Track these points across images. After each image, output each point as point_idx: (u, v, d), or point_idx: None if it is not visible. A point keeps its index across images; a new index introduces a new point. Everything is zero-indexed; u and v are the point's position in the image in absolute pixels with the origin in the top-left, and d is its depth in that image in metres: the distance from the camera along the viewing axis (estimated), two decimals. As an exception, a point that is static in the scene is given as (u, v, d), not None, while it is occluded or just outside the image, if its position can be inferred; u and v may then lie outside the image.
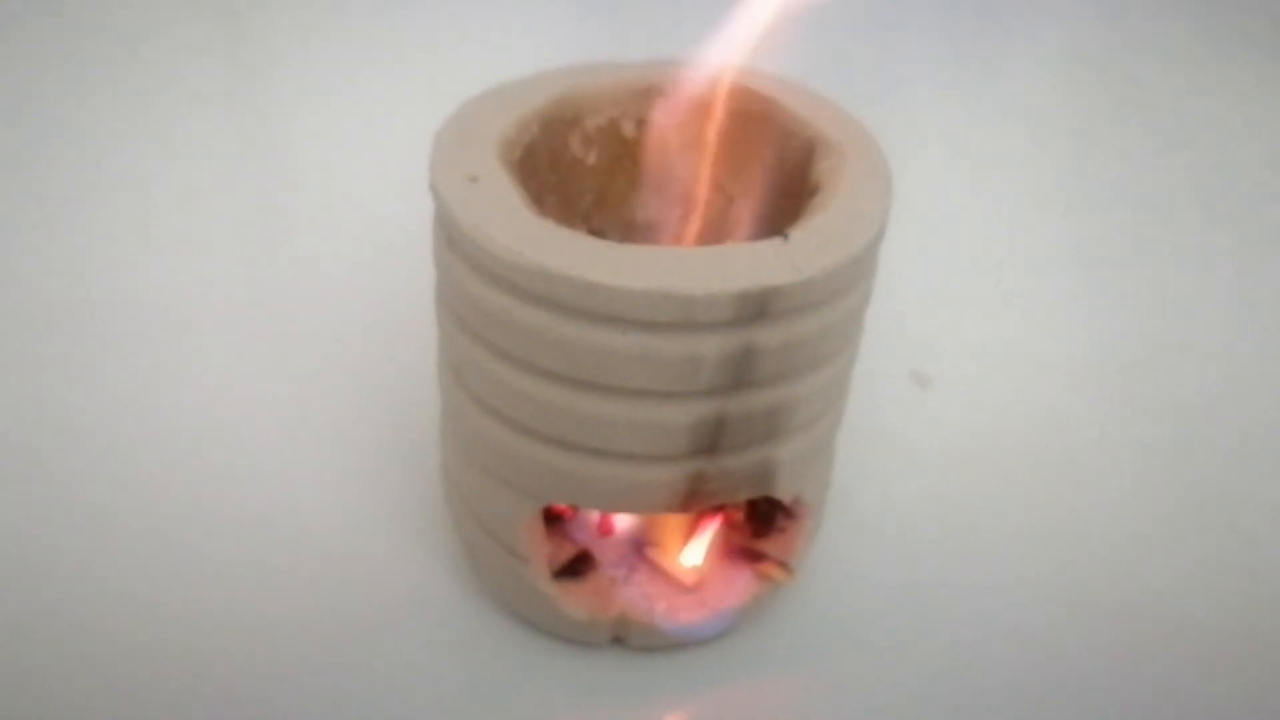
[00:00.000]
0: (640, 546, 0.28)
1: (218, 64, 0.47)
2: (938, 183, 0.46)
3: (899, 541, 0.32)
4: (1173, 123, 0.53)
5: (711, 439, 0.24)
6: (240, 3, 0.48)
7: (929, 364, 0.38)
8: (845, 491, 0.31)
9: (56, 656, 0.27)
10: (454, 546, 0.30)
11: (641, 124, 0.28)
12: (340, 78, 0.47)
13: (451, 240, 0.24)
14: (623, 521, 0.29)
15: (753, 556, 0.28)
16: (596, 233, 0.29)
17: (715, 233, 0.28)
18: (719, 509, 0.28)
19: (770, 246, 0.23)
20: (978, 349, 0.39)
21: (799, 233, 0.23)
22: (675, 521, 0.28)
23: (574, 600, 0.27)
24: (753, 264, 0.22)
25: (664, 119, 0.27)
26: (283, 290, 0.39)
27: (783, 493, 0.26)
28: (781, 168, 0.27)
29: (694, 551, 0.28)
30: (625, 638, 0.28)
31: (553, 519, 0.28)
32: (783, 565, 0.28)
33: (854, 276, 0.24)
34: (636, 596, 0.28)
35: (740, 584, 0.28)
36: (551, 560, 0.27)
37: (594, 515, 0.29)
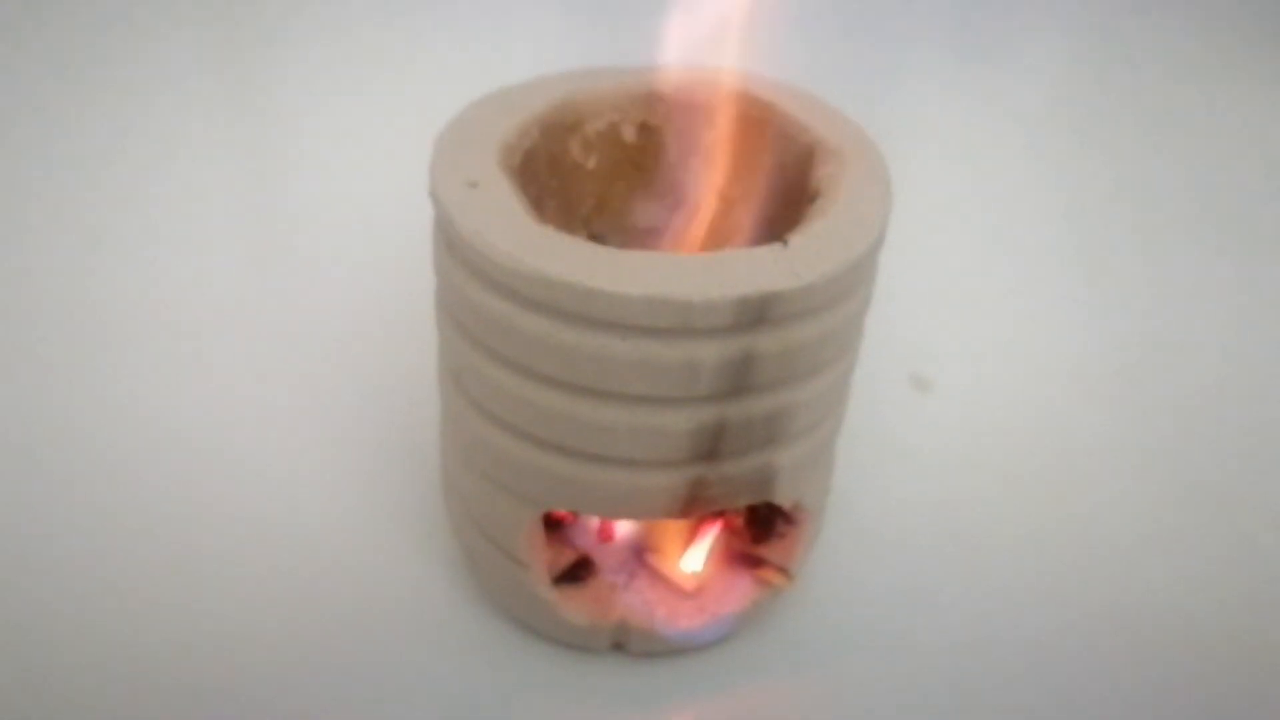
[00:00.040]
0: (640, 552, 0.28)
1: (219, 70, 0.47)
2: (937, 186, 0.46)
3: (899, 546, 0.32)
4: (1172, 126, 0.53)
5: (711, 445, 0.24)
6: (242, 9, 0.48)
7: (929, 368, 0.38)
8: (845, 496, 0.31)
9: (55, 657, 0.27)
10: (454, 552, 0.30)
11: (642, 129, 0.28)
12: (342, 83, 0.48)
13: (451, 246, 0.24)
14: (623, 527, 0.29)
15: (753, 562, 0.28)
16: (596, 237, 0.29)
17: (715, 237, 0.28)
18: (719, 514, 0.28)
19: (770, 252, 0.23)
20: (977, 352, 0.39)
21: (798, 238, 0.23)
22: (675, 527, 0.28)
23: (574, 606, 0.27)
24: (752, 270, 0.22)
25: (664, 124, 0.27)
26: (283, 294, 0.39)
27: (782, 498, 0.26)
28: (781, 173, 0.27)
29: (694, 557, 0.28)
30: (625, 643, 0.28)
31: (553, 525, 0.28)
32: (783, 571, 0.28)
33: (854, 282, 0.24)
34: (637, 602, 0.27)
35: (740, 589, 0.28)
36: (552, 566, 0.27)
37: (594, 521, 0.29)
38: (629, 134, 0.28)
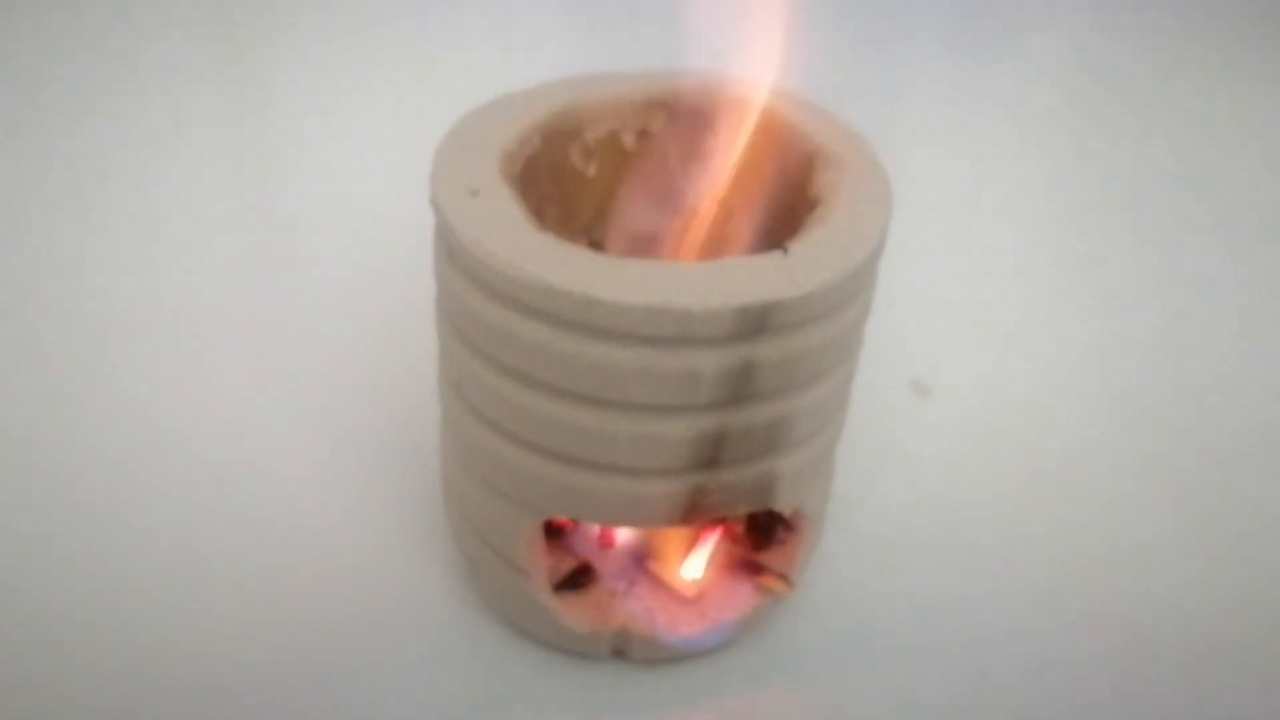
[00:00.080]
0: (641, 559, 0.28)
1: (221, 75, 0.47)
2: (937, 190, 0.46)
3: (899, 552, 0.32)
4: (1172, 131, 0.53)
5: (712, 453, 0.24)
6: (243, 15, 0.48)
7: (929, 373, 0.38)
8: (845, 502, 0.31)
9: (53, 657, 0.27)
10: (454, 558, 0.30)
11: (642, 136, 0.28)
12: (344, 88, 0.48)
13: (452, 254, 0.24)
14: (623, 534, 0.29)
15: (753, 569, 0.28)
16: (596, 244, 0.29)
17: (715, 244, 0.28)
18: (719, 521, 0.28)
19: (770, 261, 0.23)
20: (978, 358, 0.39)
21: (798, 247, 0.23)
22: (676, 534, 0.28)
23: (575, 613, 0.27)
24: (752, 279, 0.22)
25: (664, 131, 0.27)
26: (284, 299, 0.39)
27: (783, 505, 0.26)
28: (781, 180, 0.27)
29: (694, 564, 0.28)
30: (626, 650, 0.28)
31: (553, 531, 0.28)
32: (783, 578, 0.28)
33: (853, 290, 0.24)
34: (637, 609, 0.28)
35: (740, 596, 0.28)
36: (552, 573, 0.27)
37: (594, 528, 0.29)
38: (629, 141, 0.28)
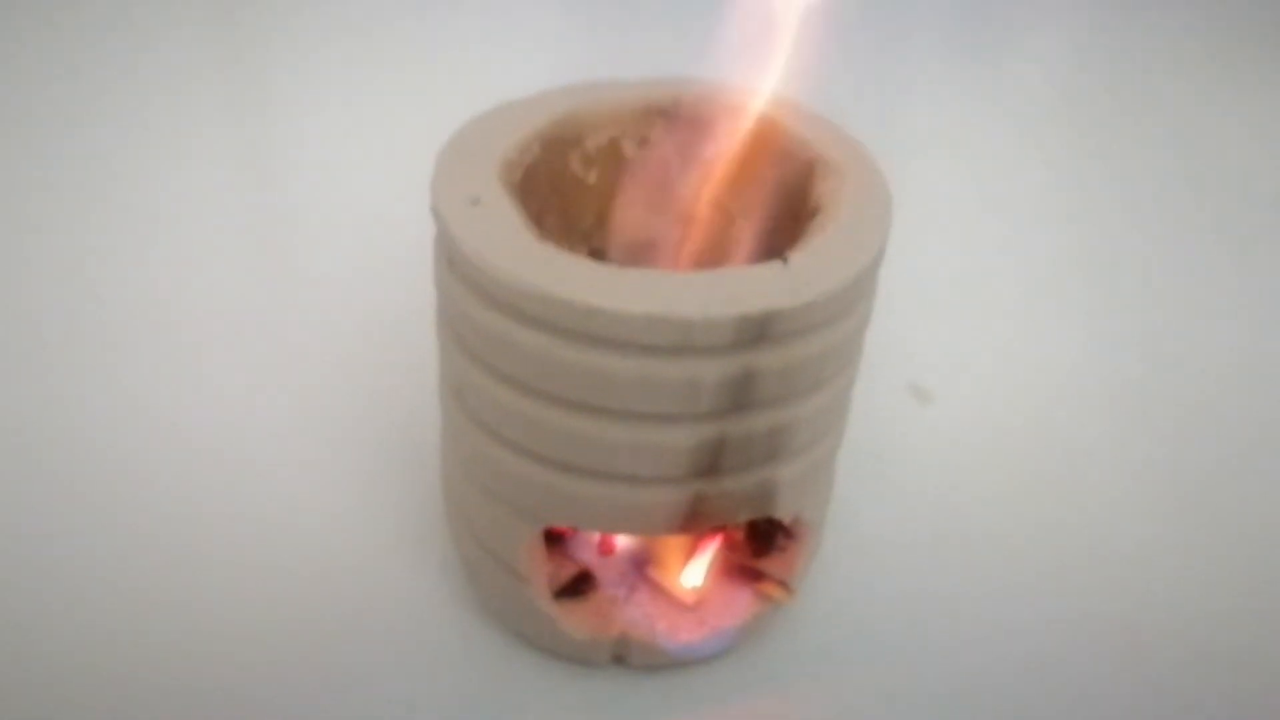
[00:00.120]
0: (641, 566, 0.28)
1: (223, 81, 0.47)
2: (937, 195, 0.46)
3: (899, 558, 0.32)
4: (1170, 137, 0.53)
5: (712, 461, 0.24)
6: (244, 22, 0.48)
7: (929, 378, 0.38)
8: (845, 508, 0.31)
9: (51, 657, 0.27)
10: (454, 564, 0.30)
11: (642, 143, 0.28)
12: (345, 96, 0.48)
13: (452, 262, 0.24)
14: (623, 541, 0.29)
15: (753, 575, 0.28)
16: (597, 252, 0.29)
17: (716, 252, 0.28)
18: (719, 529, 0.28)
19: (769, 270, 0.23)
20: (978, 363, 0.39)
21: (798, 256, 0.23)
22: (676, 541, 0.28)
23: (575, 619, 0.27)
24: (752, 288, 0.22)
25: (664, 139, 0.27)
26: (285, 304, 0.39)
27: (782, 513, 0.26)
28: (781, 188, 0.27)
29: (694, 571, 0.28)
30: (626, 657, 0.28)
31: (553, 538, 0.28)
32: (783, 584, 0.28)
33: (854, 299, 0.24)
34: (637, 616, 0.28)
35: (740, 603, 0.28)
36: (552, 580, 0.27)
37: (594, 534, 0.29)
38: (630, 149, 0.28)
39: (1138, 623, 0.31)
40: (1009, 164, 0.50)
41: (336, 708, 0.27)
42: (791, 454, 0.25)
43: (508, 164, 0.25)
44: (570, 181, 0.28)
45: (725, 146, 0.27)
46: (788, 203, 0.27)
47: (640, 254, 0.29)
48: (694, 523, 0.25)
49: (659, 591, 0.28)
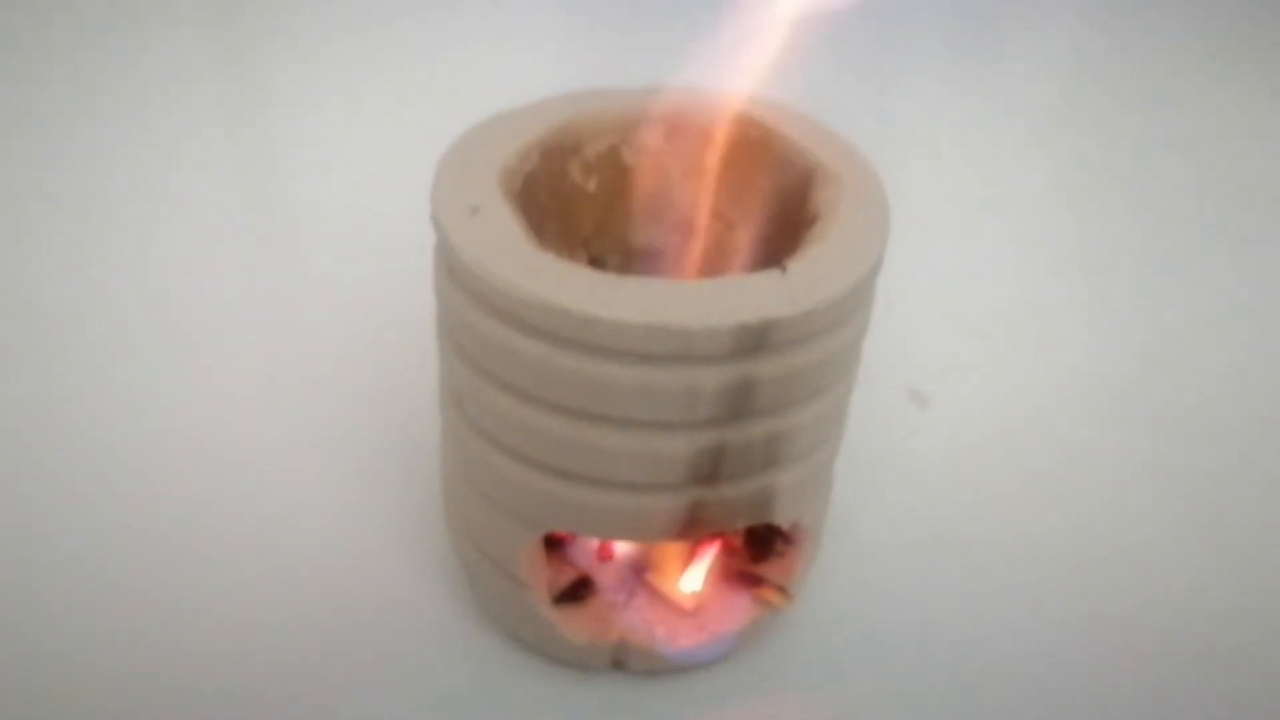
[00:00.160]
0: (640, 571, 0.29)
1: (224, 87, 0.47)
2: (935, 198, 0.46)
3: (898, 563, 0.32)
4: (1170, 138, 0.53)
5: (711, 468, 0.24)
6: (245, 25, 0.48)
7: (927, 383, 0.38)
8: (844, 513, 0.31)
9: (50, 658, 0.28)
10: (454, 570, 0.30)
11: (641, 151, 0.28)
12: (346, 103, 0.48)
13: (452, 271, 0.24)
14: (622, 546, 0.29)
15: (752, 581, 0.28)
16: (597, 259, 0.29)
17: (715, 258, 0.28)
18: (718, 535, 0.28)
19: (768, 279, 0.23)
20: (976, 368, 0.39)
21: (797, 264, 0.23)
22: (675, 547, 0.28)
23: (574, 625, 0.27)
24: (751, 297, 0.22)
25: (663, 146, 0.27)
26: (286, 309, 0.40)
27: (781, 519, 0.26)
28: (780, 196, 0.27)
29: (693, 576, 0.28)
30: (625, 662, 0.28)
31: (553, 543, 0.28)
32: (781, 590, 0.28)
33: (852, 307, 0.24)
34: (636, 621, 0.28)
35: (739, 608, 0.28)
36: (552, 585, 0.27)
37: (594, 540, 0.29)
38: (629, 156, 0.28)
39: (1138, 626, 0.31)
40: (1007, 167, 0.50)
41: (336, 711, 0.27)
42: (790, 461, 0.25)
43: (507, 172, 0.25)
44: (570, 189, 0.28)
45: (724, 154, 0.27)
46: (786, 210, 0.27)
47: (640, 260, 0.29)
48: (693, 529, 0.25)
49: (658, 597, 0.28)
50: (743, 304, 0.22)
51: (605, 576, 0.28)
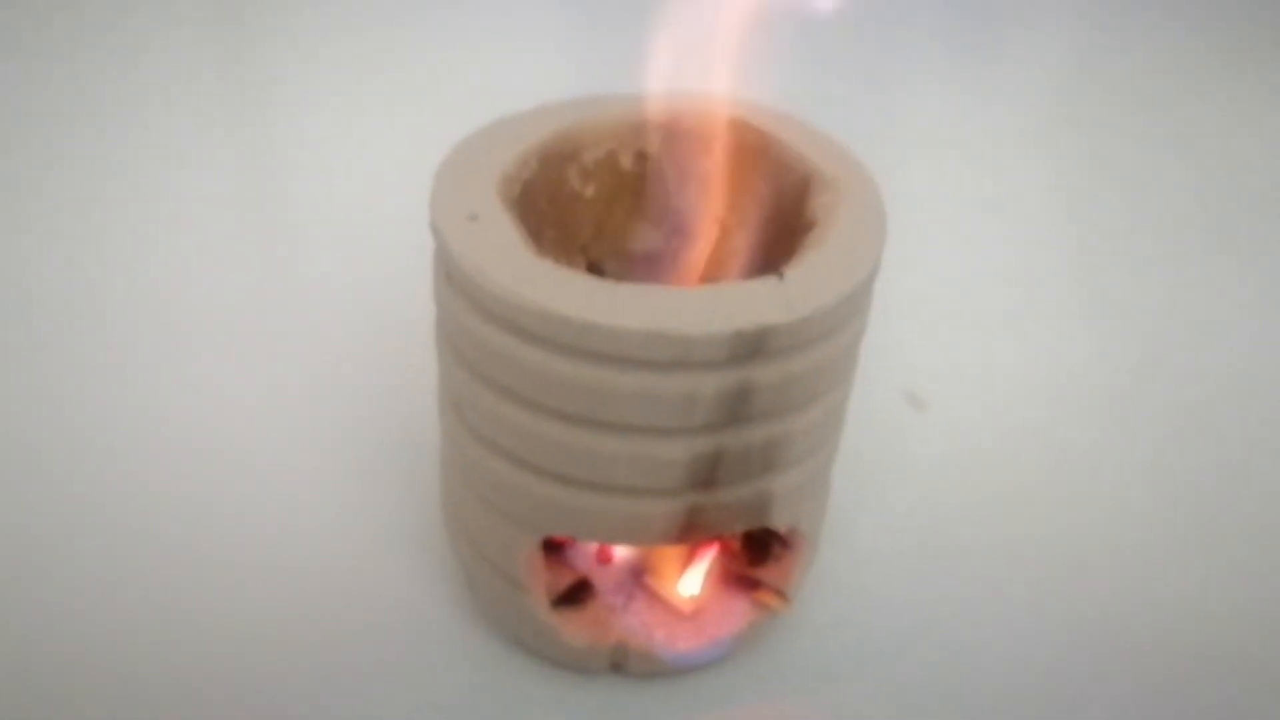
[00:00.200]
0: (638, 574, 0.29)
1: (224, 92, 0.47)
2: (932, 201, 0.46)
3: (896, 566, 0.32)
4: (1170, 139, 0.53)
5: (708, 473, 0.24)
6: (245, 28, 0.48)
7: (925, 386, 0.38)
8: (841, 516, 0.31)
9: (49, 656, 0.28)
10: (453, 574, 0.30)
11: (639, 156, 0.28)
12: (345, 110, 0.48)
13: (451, 278, 0.24)
14: (621, 550, 0.29)
15: (749, 584, 0.28)
16: (595, 265, 0.29)
17: (712, 264, 0.28)
18: (716, 538, 0.28)
19: (765, 285, 0.23)
20: (974, 370, 0.39)
21: (794, 271, 0.23)
22: (673, 550, 0.28)
23: (573, 628, 0.27)
24: (748, 303, 0.22)
25: (661, 152, 0.27)
26: (286, 312, 0.40)
27: (778, 523, 0.26)
28: (777, 202, 0.27)
29: (691, 580, 0.28)
30: (624, 665, 0.28)
31: (551, 547, 0.28)
32: (779, 593, 0.28)
33: (849, 313, 0.24)
34: (635, 624, 0.28)
35: (737, 611, 0.28)
36: (550, 588, 0.27)
37: (592, 544, 0.29)
38: (627, 162, 0.28)
39: (1137, 629, 0.31)
40: (1006, 168, 0.50)
41: (335, 713, 0.27)
42: (787, 466, 0.25)
43: (506, 179, 0.25)
44: (568, 195, 0.28)
45: (722, 159, 0.27)
46: (783, 216, 0.27)
47: (638, 266, 0.29)
48: (690, 533, 0.25)
49: (656, 600, 0.28)
50: (740, 310, 0.22)
51: (604, 579, 0.29)
